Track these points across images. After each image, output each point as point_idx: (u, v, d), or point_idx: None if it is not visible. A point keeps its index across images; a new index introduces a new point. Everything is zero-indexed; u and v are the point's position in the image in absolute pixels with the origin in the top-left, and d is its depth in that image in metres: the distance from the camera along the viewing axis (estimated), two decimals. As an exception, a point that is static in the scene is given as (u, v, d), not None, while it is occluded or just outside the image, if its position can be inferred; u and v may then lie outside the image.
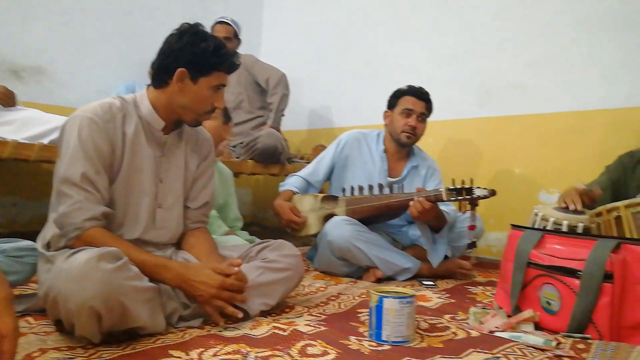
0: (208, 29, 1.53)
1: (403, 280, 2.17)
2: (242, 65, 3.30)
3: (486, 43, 2.83)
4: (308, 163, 2.63)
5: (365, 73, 3.44)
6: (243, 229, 2.38)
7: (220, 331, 1.34)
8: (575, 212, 1.76)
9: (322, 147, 2.96)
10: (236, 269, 1.39)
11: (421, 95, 2.35)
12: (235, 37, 3.31)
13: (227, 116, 2.28)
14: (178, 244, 1.60)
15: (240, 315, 1.38)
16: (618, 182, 2.03)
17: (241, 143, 3.16)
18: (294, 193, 2.39)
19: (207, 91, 1.45)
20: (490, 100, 2.82)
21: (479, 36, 2.86)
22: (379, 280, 2.14)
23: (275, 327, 1.39)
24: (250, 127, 3.25)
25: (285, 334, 1.35)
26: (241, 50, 3.37)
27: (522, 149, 2.69)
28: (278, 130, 3.18)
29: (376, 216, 2.22)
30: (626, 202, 1.57)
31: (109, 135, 1.38)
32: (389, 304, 1.32)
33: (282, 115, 3.27)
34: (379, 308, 1.33)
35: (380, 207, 2.17)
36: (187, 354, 1.16)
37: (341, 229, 2.12)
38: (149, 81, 1.51)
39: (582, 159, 2.45)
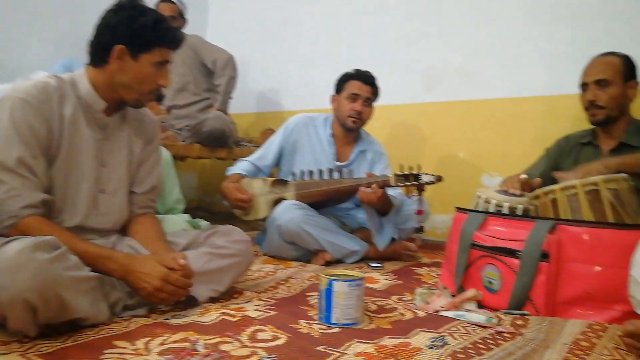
0: (152, 7, 1.46)
1: (351, 263, 2.20)
2: (188, 45, 3.21)
3: (432, 29, 2.87)
4: (256, 147, 2.61)
5: (313, 56, 3.43)
6: (192, 215, 2.32)
7: (167, 319, 1.31)
8: (515, 195, 1.83)
9: (270, 131, 2.93)
10: (182, 261, 1.35)
11: (367, 79, 2.36)
12: (180, 16, 3.20)
13: (157, 95, 2.21)
14: (123, 231, 1.54)
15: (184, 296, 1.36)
16: (556, 164, 2.13)
17: (187, 126, 3.08)
18: (242, 176, 2.36)
19: (150, 68, 1.38)
20: (436, 86, 2.87)
21: (426, 21, 2.89)
22: (328, 264, 2.16)
23: (224, 314, 1.38)
24: (197, 110, 3.17)
25: (234, 319, 1.34)
26: (187, 30, 3.26)
27: (466, 134, 2.76)
28: (225, 113, 3.12)
29: (326, 200, 2.23)
30: (561, 184, 1.64)
31: (44, 116, 1.30)
32: (338, 287, 1.33)
33: (230, 98, 3.21)
34: (329, 291, 1.34)
35: (329, 191, 2.18)
36: (133, 344, 1.13)
37: (291, 213, 2.12)
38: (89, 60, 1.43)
39: (522, 143, 2.54)
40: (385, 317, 1.43)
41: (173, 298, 1.34)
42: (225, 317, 1.35)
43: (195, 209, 2.79)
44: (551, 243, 1.45)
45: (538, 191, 1.69)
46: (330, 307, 1.34)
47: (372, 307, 1.53)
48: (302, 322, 1.35)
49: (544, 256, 1.45)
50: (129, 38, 1.34)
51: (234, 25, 3.93)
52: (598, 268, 1.41)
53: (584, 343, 1.23)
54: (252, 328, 1.28)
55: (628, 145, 1.94)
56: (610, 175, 1.59)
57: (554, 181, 1.86)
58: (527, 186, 1.86)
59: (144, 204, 1.56)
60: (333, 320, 1.33)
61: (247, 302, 1.51)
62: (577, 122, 2.14)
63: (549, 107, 2.48)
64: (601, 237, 1.43)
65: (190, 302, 1.41)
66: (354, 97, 2.34)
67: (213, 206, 3.88)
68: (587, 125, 2.07)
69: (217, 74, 3.18)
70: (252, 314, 1.40)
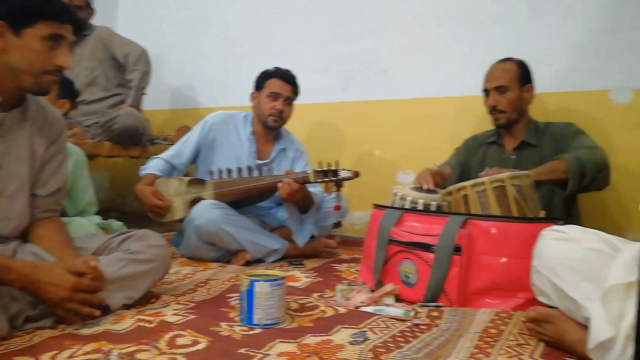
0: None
1: (272, 262, 2.19)
2: (97, 37, 3.03)
3: (351, 28, 2.92)
4: (172, 145, 2.51)
5: (231, 52, 3.36)
6: (104, 217, 2.19)
7: (76, 329, 1.23)
8: (429, 191, 1.91)
9: (186, 128, 2.84)
10: (93, 262, 1.27)
11: (288, 78, 2.35)
12: (87, 5, 3.01)
13: (64, 89, 2.08)
14: (24, 236, 1.42)
15: (98, 313, 1.27)
16: (465, 162, 2.25)
17: (97, 123, 2.91)
18: (157, 177, 2.27)
19: (38, 44, 1.25)
20: (354, 85, 2.93)
21: (344, 21, 2.93)
22: (248, 263, 2.14)
23: (140, 320, 1.32)
24: (107, 106, 3.00)
25: (151, 326, 1.28)
26: (96, 21, 3.08)
27: (382, 133, 2.84)
28: (138, 109, 2.99)
29: (245, 199, 2.20)
30: (472, 181, 1.73)
31: None
32: (259, 287, 1.32)
33: (143, 93, 3.07)
34: (250, 292, 1.32)
35: (249, 190, 2.16)
36: (37, 359, 1.05)
37: (209, 213, 2.07)
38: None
39: (435, 142, 2.66)
40: (307, 315, 1.44)
41: (84, 308, 1.25)
42: (141, 324, 1.29)
43: (106, 210, 2.63)
44: (463, 237, 1.53)
45: (450, 188, 1.77)
46: (252, 308, 1.32)
47: (294, 305, 1.53)
48: (223, 324, 1.32)
49: (457, 250, 1.53)
50: (7, 12, 1.22)
51: (146, 18, 3.77)
52: (504, 259, 1.51)
53: (492, 330, 1.31)
54: (171, 333, 1.23)
55: (528, 144, 2.10)
56: (514, 173, 1.70)
57: (463, 179, 1.97)
58: (438, 177, 1.96)
59: (47, 207, 1.45)
60: (255, 321, 1.32)
61: (164, 307, 1.45)
62: (486, 121, 2.27)
63: (461, 108, 2.61)
64: (507, 231, 1.53)
65: (103, 310, 1.33)
66: (274, 96, 2.32)
67: (126, 207, 3.70)
68: (493, 125, 2.21)
69: (129, 68, 3.03)
70: (170, 318, 1.35)
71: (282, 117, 2.35)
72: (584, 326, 1.08)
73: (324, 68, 2.99)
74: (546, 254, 1.25)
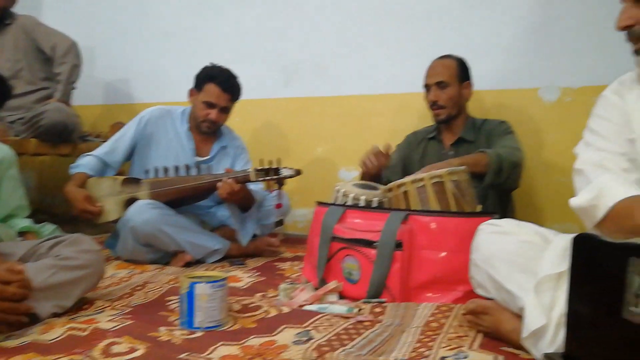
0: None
1: (213, 262, 2.14)
2: (20, 27, 2.85)
3: (291, 23, 2.89)
4: (105, 141, 2.40)
5: (168, 46, 3.25)
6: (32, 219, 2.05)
7: (1, 341, 1.15)
8: (371, 187, 1.93)
9: (120, 124, 2.71)
10: (19, 267, 1.19)
11: (227, 87, 2.24)
12: (7, -7, 2.82)
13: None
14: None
15: (26, 320, 1.19)
16: (406, 158, 2.30)
17: (21, 119, 2.72)
18: (89, 176, 2.16)
19: None
20: (295, 81, 2.91)
21: (285, 16, 2.90)
22: (188, 265, 2.08)
23: (71, 328, 1.24)
24: (33, 101, 2.82)
25: (84, 334, 1.22)
26: (18, 9, 2.89)
27: (324, 129, 2.84)
28: (67, 104, 2.83)
29: (183, 198, 2.13)
30: (411, 178, 1.76)
31: None
32: (200, 289, 1.28)
33: (73, 88, 2.91)
34: (191, 294, 1.28)
35: (187, 189, 2.09)
36: (-44, 376, 0.97)
37: (146, 214, 1.99)
38: None
39: (376, 138, 2.66)
40: (250, 316, 1.41)
41: (9, 317, 1.16)
42: (73, 332, 1.22)
43: (34, 212, 2.46)
44: (404, 233, 1.56)
45: (391, 184, 1.79)
46: (193, 310, 1.28)
47: (236, 306, 1.50)
48: (162, 329, 1.28)
49: (398, 245, 1.55)
50: None
51: (76, 8, 3.57)
52: (444, 253, 1.54)
53: (434, 324, 1.34)
54: (106, 341, 1.17)
55: (465, 140, 2.17)
56: (452, 168, 1.74)
57: (405, 174, 2.00)
58: (381, 156, 2.00)
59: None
60: (196, 324, 1.28)
61: (98, 313, 1.39)
62: (426, 118, 2.32)
63: (401, 104, 2.65)
64: (446, 225, 1.56)
65: (31, 319, 1.25)
66: (210, 105, 2.24)
67: (55, 208, 3.49)
68: (433, 121, 2.26)
69: (57, 61, 2.86)
70: (104, 325, 1.28)
71: (216, 125, 2.29)
72: (519, 316, 1.12)
73: (265, 64, 2.95)
74: (483, 248, 1.29)
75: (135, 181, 2.13)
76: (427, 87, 2.19)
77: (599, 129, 1.19)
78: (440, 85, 2.15)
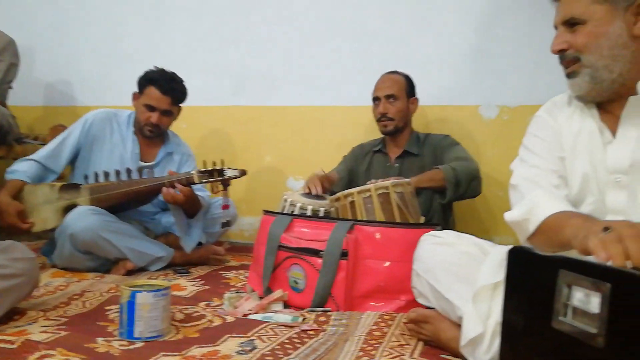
0: None
1: (156, 270, 2.09)
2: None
3: (242, 33, 2.88)
4: (44, 145, 2.30)
5: (113, 49, 3.14)
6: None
7: None
8: (318, 197, 1.95)
9: (62, 127, 2.60)
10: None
11: (168, 90, 2.19)
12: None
13: None
14: None
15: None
16: (352, 169, 2.34)
17: (-50, 118, 2.57)
18: (25, 183, 2.06)
19: None
20: (245, 90, 2.89)
21: (235, 25, 2.89)
22: (130, 273, 2.02)
23: (0, 341, 1.18)
24: (-37, 99, 2.67)
25: (13, 346, 1.15)
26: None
27: (273, 139, 2.84)
28: (4, 105, 2.69)
29: (126, 203, 2.07)
30: (358, 188, 1.80)
31: None
32: (142, 298, 1.24)
33: (10, 87, 2.77)
34: (131, 304, 1.24)
35: (129, 193, 2.03)
36: None
37: (86, 220, 1.92)
38: None
39: (324, 149, 2.71)
40: (193, 326, 1.39)
41: None
42: (2, 345, 1.15)
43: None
44: (349, 242, 1.58)
45: (338, 194, 1.82)
46: (133, 320, 1.24)
47: (179, 316, 1.47)
48: (100, 340, 1.23)
49: (344, 254, 1.57)
50: None
51: (14, 5, 3.41)
52: (387, 263, 1.58)
53: (376, 333, 1.36)
54: (37, 354, 1.12)
55: (410, 153, 2.23)
56: (397, 180, 1.79)
57: (351, 185, 2.04)
58: (326, 181, 2.04)
59: None
60: (136, 335, 1.24)
61: (30, 324, 1.32)
62: (373, 131, 2.37)
63: (349, 117, 2.69)
64: (390, 235, 1.60)
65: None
66: (150, 108, 2.19)
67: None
68: (379, 134, 2.31)
69: (-8, 59, 2.72)
70: (36, 337, 1.22)
71: (158, 129, 2.24)
72: (458, 325, 1.16)
73: (215, 71, 2.92)
74: (425, 258, 1.33)
75: (75, 187, 2.05)
76: (377, 99, 2.25)
77: (532, 146, 1.26)
78: (390, 98, 2.21)
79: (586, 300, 0.68)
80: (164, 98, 2.19)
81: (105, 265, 2.03)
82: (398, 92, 2.22)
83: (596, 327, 0.66)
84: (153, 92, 2.18)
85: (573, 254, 0.85)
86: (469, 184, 2.01)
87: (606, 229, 0.82)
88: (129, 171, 2.06)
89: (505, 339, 0.86)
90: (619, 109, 1.13)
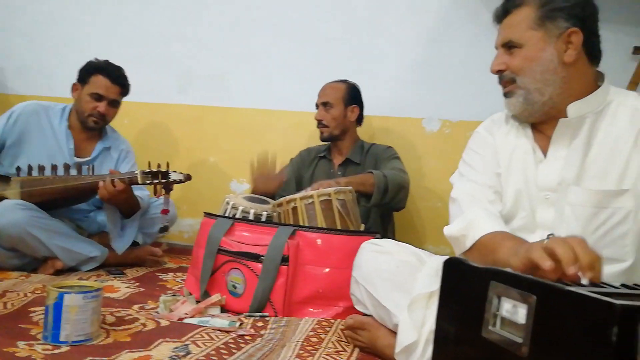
0: None
1: (88, 271, 2.00)
2: None
3: (191, 30, 2.82)
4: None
5: (49, 38, 2.98)
6: None
7: None
8: (261, 201, 1.94)
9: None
10: None
11: (117, 78, 2.14)
12: None
13: None
14: None
15: None
16: (298, 174, 2.35)
17: None
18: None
19: None
20: (191, 88, 2.84)
21: (184, 22, 2.83)
22: (59, 272, 1.92)
23: None
24: None
25: None
26: None
27: (218, 140, 2.80)
28: None
29: (59, 200, 1.98)
30: (301, 194, 1.80)
31: None
32: (70, 300, 1.19)
33: None
34: (58, 305, 1.18)
35: (65, 189, 1.94)
36: None
37: (13, 215, 1.82)
38: None
39: (269, 152, 2.70)
40: (125, 330, 1.34)
41: None
42: None
43: None
44: (290, 247, 1.57)
45: (281, 199, 1.81)
46: (60, 323, 1.18)
47: (110, 319, 1.41)
48: (21, 343, 1.16)
49: (284, 260, 1.57)
50: None
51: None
52: (327, 269, 1.59)
53: (313, 339, 1.36)
54: (-49, 357, 1.04)
55: (352, 161, 2.27)
56: (339, 188, 1.81)
57: (299, 189, 2.05)
58: (278, 180, 2.09)
59: None
60: (62, 339, 1.18)
61: (-55, 325, 1.23)
62: (317, 136, 2.38)
63: (295, 122, 2.70)
64: (331, 242, 1.61)
65: None
66: (98, 97, 2.11)
67: None
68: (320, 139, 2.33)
69: None
70: (-49, 339, 1.14)
71: (104, 120, 2.16)
72: (394, 332, 1.18)
73: (159, 67, 2.84)
74: (364, 266, 1.35)
75: (4, 179, 1.94)
76: (317, 106, 2.30)
77: (471, 162, 1.31)
78: (326, 105, 2.27)
79: (514, 311, 0.71)
80: (113, 87, 2.13)
81: (32, 264, 1.93)
82: (334, 99, 2.26)
83: (521, 337, 0.69)
84: (101, 81, 2.11)
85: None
86: (395, 194, 2.05)
87: (550, 235, 0.86)
88: (66, 166, 1.97)
89: (438, 347, 0.89)
90: (550, 130, 1.19)
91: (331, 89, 2.30)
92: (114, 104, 2.18)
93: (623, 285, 0.78)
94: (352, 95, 2.30)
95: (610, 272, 1.09)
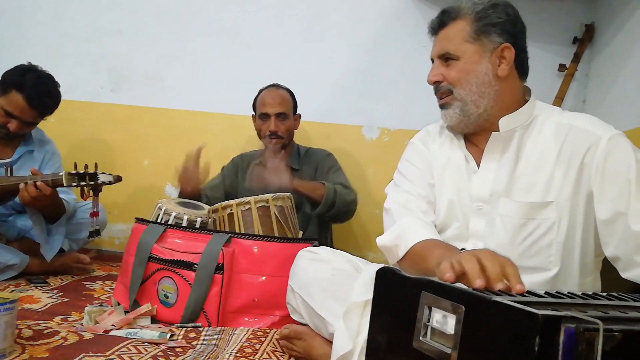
0: None
1: (6, 280, 1.87)
2: None
3: (125, 26, 2.70)
4: None
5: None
6: None
7: None
8: (195, 207, 1.88)
9: None
10: None
11: (37, 105, 1.96)
12: None
13: None
14: None
15: None
16: (231, 181, 2.28)
17: None
18: None
19: None
20: (124, 88, 2.72)
21: (118, 15, 2.71)
22: (-28, 282, 1.78)
23: None
24: None
25: None
26: None
27: (152, 141, 2.69)
28: None
29: (-26, 204, 1.84)
30: (237, 200, 1.75)
31: None
32: (-19, 313, 1.10)
33: None
34: (-33, 320, 1.09)
35: (-20, 193, 1.80)
36: None
37: None
38: None
39: (206, 156, 2.62)
40: (43, 344, 1.25)
41: None
42: None
43: None
44: (225, 255, 1.53)
45: (217, 205, 1.77)
46: (-32, 339, 1.09)
47: (27, 332, 1.31)
48: None
49: (219, 268, 1.52)
50: None
51: None
52: (263, 278, 1.56)
53: (248, 350, 1.33)
54: None
55: (291, 168, 2.22)
56: (278, 194, 1.78)
57: (228, 197, 2.00)
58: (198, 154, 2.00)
59: None
60: (-30, 356, 1.09)
61: None
62: (254, 141, 2.34)
63: (231, 125, 2.64)
64: (268, 250, 1.58)
65: None
66: (10, 115, 1.95)
67: None
68: (260, 145, 2.27)
69: None
70: None
71: (16, 135, 2.02)
72: (330, 342, 1.17)
73: (90, 64, 2.71)
74: (300, 274, 1.34)
75: None
76: (265, 115, 2.18)
77: (406, 172, 1.32)
78: (281, 116, 2.17)
79: (443, 321, 0.72)
80: (29, 111, 1.95)
81: (-58, 273, 1.78)
82: (288, 110, 2.19)
83: (450, 347, 0.70)
84: (18, 101, 1.93)
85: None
86: (340, 211, 2.03)
87: (462, 250, 0.88)
88: (-19, 168, 1.83)
89: (370, 356, 0.88)
90: (483, 142, 1.23)
91: (282, 98, 2.19)
92: (29, 125, 2.03)
93: (547, 293, 0.80)
94: (295, 103, 2.27)
95: (537, 280, 1.13)
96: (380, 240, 1.24)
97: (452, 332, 0.70)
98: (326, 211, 1.99)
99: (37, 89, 1.95)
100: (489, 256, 0.84)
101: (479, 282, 0.79)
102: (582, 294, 0.80)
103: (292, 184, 1.91)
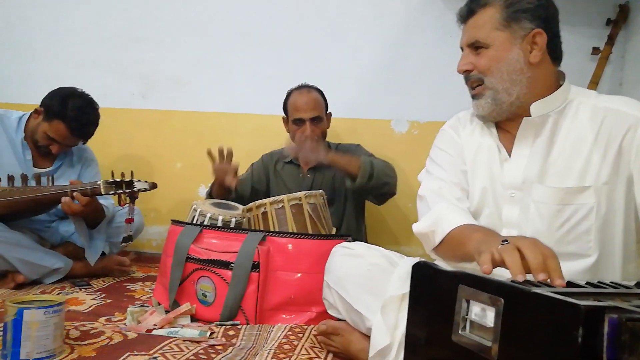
0: None
1: (52, 283, 1.94)
2: None
3: (152, 34, 2.76)
4: None
5: (12, 42, 2.87)
6: None
7: None
8: (229, 207, 1.91)
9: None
10: None
11: (79, 134, 2.06)
12: None
13: None
14: None
15: None
16: (260, 178, 2.29)
17: None
18: None
19: None
20: (154, 93, 2.77)
21: (145, 23, 2.76)
22: (20, 286, 1.85)
23: None
24: None
25: None
26: None
27: (183, 145, 2.74)
28: None
29: (18, 212, 1.91)
30: (271, 199, 1.78)
31: None
32: (30, 315, 1.14)
33: None
34: (18, 322, 1.14)
35: (25, 201, 1.87)
36: None
37: (-32, 229, 1.74)
38: None
39: (236, 156, 2.66)
40: (90, 344, 1.29)
41: None
42: None
43: None
44: (261, 253, 1.55)
45: (250, 205, 1.79)
46: (20, 341, 1.14)
47: (75, 333, 1.36)
48: (-20, 364, 1.11)
49: (255, 266, 1.54)
50: None
51: None
52: (299, 275, 1.57)
53: (286, 346, 1.34)
54: None
55: (322, 164, 2.21)
56: (310, 192, 1.79)
57: (257, 194, 2.00)
58: (230, 155, 2.04)
59: None
60: (22, 357, 1.14)
61: None
62: (281, 139, 2.35)
63: (259, 125, 2.67)
64: (302, 247, 1.59)
65: None
66: (53, 140, 2.02)
67: None
68: (289, 143, 2.26)
69: None
70: None
71: (59, 147, 2.08)
72: (368, 336, 1.18)
73: (121, 72, 2.76)
74: (336, 270, 1.34)
75: (-42, 191, 1.86)
76: (300, 121, 2.15)
77: (438, 159, 1.31)
78: (315, 120, 2.15)
79: (482, 314, 0.71)
80: (71, 138, 2.05)
81: (-8, 278, 1.85)
82: (321, 113, 2.17)
83: (490, 340, 0.69)
84: (61, 130, 2.01)
85: (476, 268, 0.89)
86: (380, 181, 1.98)
87: (504, 241, 0.87)
88: (24, 178, 1.89)
89: (409, 351, 0.88)
90: (514, 129, 1.20)
91: (315, 102, 2.16)
92: (70, 146, 2.12)
93: (588, 283, 0.79)
94: (326, 103, 2.25)
95: (576, 268, 1.11)
96: (416, 227, 1.23)
97: (492, 324, 0.69)
98: (366, 182, 1.95)
99: (80, 120, 2.02)
100: (532, 246, 0.83)
101: (519, 278, 0.78)
102: (625, 283, 0.78)
103: (328, 157, 1.92)
